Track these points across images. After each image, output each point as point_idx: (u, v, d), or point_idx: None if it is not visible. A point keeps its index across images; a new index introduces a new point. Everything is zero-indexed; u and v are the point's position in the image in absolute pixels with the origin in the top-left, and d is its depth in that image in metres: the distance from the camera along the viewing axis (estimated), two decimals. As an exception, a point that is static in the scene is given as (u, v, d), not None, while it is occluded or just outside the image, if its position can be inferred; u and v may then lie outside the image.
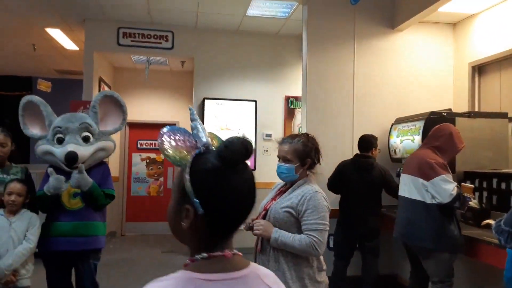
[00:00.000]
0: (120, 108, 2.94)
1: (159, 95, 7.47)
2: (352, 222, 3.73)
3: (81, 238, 2.68)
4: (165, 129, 0.84)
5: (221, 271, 0.76)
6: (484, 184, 3.32)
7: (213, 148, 0.81)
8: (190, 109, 0.92)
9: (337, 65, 4.34)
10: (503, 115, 3.73)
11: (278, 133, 5.98)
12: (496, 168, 3.52)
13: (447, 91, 4.60)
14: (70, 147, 2.66)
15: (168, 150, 0.81)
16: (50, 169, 2.65)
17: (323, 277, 1.94)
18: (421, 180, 2.87)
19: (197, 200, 0.75)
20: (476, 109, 4.30)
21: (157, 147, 0.88)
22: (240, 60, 6.02)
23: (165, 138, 0.82)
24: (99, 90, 5.96)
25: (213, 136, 0.87)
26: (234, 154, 0.76)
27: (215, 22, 5.70)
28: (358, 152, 3.89)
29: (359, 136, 3.95)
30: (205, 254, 0.77)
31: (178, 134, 0.83)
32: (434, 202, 2.82)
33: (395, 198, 3.80)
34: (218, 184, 0.76)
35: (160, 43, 5.82)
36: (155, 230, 7.51)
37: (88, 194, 2.68)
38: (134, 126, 7.37)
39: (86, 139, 2.77)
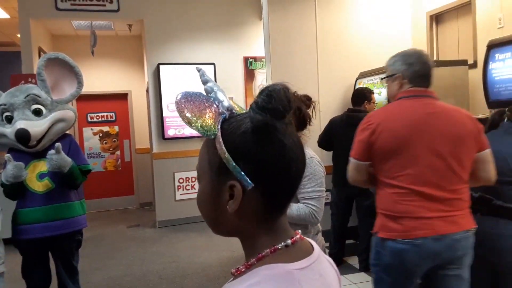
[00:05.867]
0: (71, 70, 2.60)
1: (106, 63, 6.97)
2: (346, 180, 3.61)
3: (56, 222, 2.42)
4: (180, 95, 0.67)
5: (305, 256, 0.65)
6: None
7: (237, 112, 0.66)
8: (198, 70, 0.74)
9: (299, 21, 4.20)
10: (463, 63, 3.80)
11: (239, 95, 5.81)
12: (459, 114, 3.61)
13: (406, 42, 4.62)
14: (19, 124, 2.34)
15: (193, 118, 0.64)
16: (7, 156, 2.33)
17: (319, 239, 1.92)
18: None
19: (243, 172, 0.60)
20: (435, 58, 4.37)
21: (178, 115, 0.67)
22: (195, 21, 5.68)
23: (185, 105, 0.66)
24: (40, 61, 5.43)
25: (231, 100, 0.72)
26: (280, 102, 0.61)
27: (163, -20, 5.30)
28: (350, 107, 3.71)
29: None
30: (289, 241, 0.65)
31: (198, 99, 0.67)
32: None
33: None
34: (266, 144, 0.61)
35: (104, 5, 5.34)
36: (115, 206, 7.24)
37: (68, 175, 2.40)
38: (81, 98, 6.75)
39: (37, 113, 2.45)
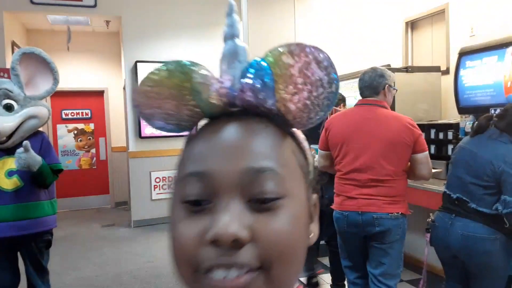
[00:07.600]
0: (47, 66, 2.52)
1: (82, 59, 6.83)
2: (325, 183, 3.67)
3: (23, 221, 2.34)
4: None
5: None
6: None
7: None
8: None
9: (278, 23, 4.25)
10: (436, 69, 3.91)
11: (217, 95, 5.79)
12: (431, 119, 3.71)
13: (382, 47, 4.72)
14: None
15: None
16: None
17: None
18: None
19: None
20: (410, 64, 4.47)
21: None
22: (174, 19, 5.64)
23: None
24: (13, 55, 5.28)
25: None
26: None
27: (143, -23, 5.24)
28: None
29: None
30: None
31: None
32: None
33: None
34: None
35: (81, 0, 5.24)
36: (90, 205, 7.11)
37: (38, 174, 2.32)
38: (56, 94, 6.44)
39: (8, 108, 2.37)
